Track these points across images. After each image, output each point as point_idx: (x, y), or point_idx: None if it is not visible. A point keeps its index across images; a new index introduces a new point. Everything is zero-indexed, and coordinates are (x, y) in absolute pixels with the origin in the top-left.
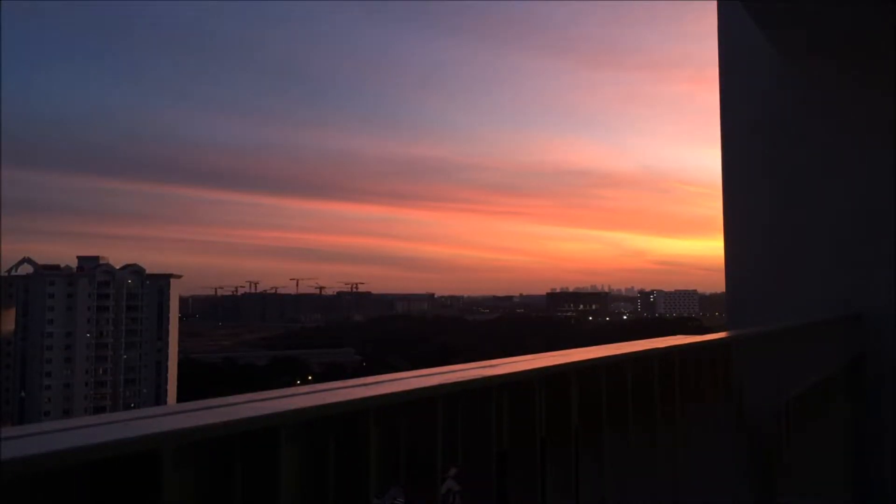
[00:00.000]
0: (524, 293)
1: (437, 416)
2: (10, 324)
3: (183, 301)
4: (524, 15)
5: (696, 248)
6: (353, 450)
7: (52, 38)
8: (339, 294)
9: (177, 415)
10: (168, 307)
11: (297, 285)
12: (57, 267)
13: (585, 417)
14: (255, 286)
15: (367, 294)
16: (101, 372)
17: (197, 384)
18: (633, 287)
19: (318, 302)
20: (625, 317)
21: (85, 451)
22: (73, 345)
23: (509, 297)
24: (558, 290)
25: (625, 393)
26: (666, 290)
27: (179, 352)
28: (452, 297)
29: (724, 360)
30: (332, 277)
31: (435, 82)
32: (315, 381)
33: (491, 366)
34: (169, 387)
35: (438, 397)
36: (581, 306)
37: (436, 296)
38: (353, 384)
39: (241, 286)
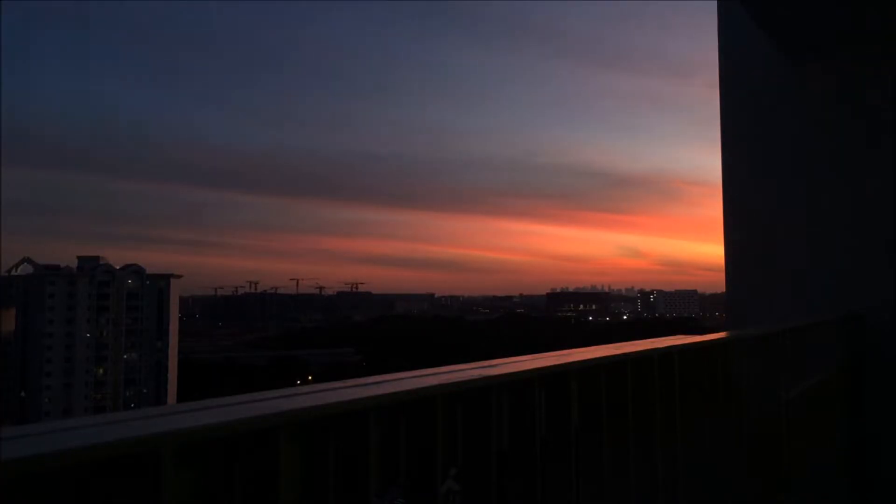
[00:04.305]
0: (524, 293)
1: (437, 416)
2: (10, 324)
3: (183, 301)
4: (520, 15)
5: (697, 248)
6: (353, 450)
7: (52, 36)
8: (339, 294)
9: (177, 415)
10: (168, 307)
11: (297, 285)
12: (57, 267)
13: (585, 417)
14: (255, 286)
15: (367, 294)
16: (101, 372)
17: (197, 384)
18: (633, 287)
19: (318, 302)
20: (625, 317)
21: (85, 451)
22: (73, 345)
23: (509, 297)
24: (558, 290)
25: (625, 393)
26: (666, 290)
27: (179, 352)
28: (452, 297)
29: (724, 360)
30: (332, 277)
31: (437, 83)
32: (315, 381)
33: (491, 366)
34: (169, 387)
35: (438, 397)
36: (581, 306)
37: (436, 296)
38: (353, 384)
39: (241, 286)
